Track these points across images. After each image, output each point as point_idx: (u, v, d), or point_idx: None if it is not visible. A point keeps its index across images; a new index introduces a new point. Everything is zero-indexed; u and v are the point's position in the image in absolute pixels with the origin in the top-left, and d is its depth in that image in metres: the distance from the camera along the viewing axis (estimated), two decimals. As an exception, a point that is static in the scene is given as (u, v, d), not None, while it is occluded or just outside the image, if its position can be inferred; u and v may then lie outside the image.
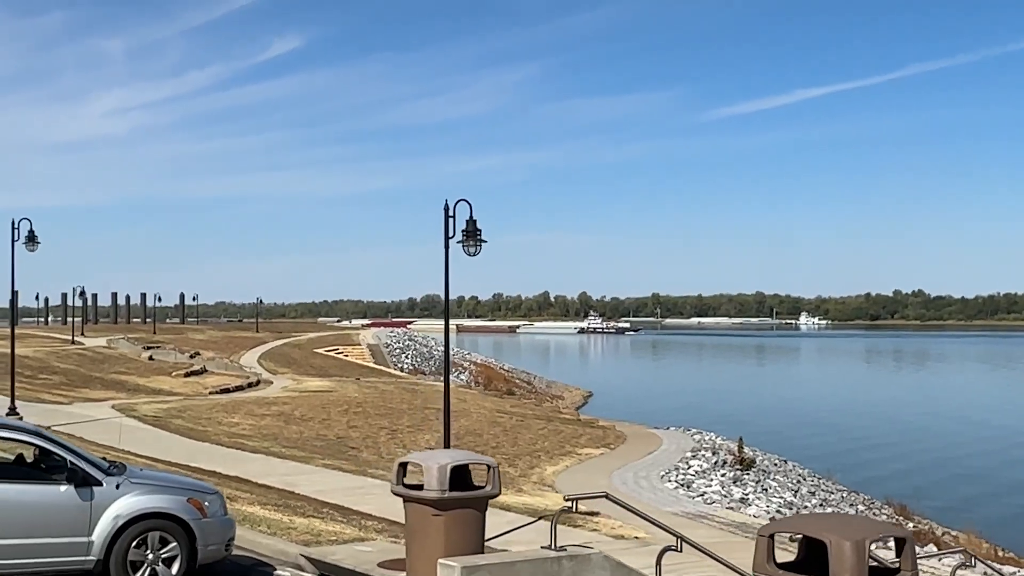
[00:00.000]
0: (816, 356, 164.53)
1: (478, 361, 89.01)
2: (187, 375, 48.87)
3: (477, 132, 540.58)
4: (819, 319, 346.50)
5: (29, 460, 9.93)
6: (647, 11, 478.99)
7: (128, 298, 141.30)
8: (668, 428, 43.84)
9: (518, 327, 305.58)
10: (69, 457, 9.34)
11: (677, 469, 29.89)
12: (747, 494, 27.82)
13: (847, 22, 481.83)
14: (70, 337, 67.41)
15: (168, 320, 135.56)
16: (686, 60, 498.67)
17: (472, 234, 17.21)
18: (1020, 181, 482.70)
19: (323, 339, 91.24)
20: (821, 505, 28.89)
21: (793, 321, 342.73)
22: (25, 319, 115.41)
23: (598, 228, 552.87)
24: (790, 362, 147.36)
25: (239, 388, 45.88)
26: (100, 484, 9.23)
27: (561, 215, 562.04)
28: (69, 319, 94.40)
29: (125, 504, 9.30)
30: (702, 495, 26.56)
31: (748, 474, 30.60)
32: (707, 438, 39.01)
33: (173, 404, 34.49)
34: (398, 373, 72.53)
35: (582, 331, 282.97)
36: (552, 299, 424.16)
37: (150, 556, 9.46)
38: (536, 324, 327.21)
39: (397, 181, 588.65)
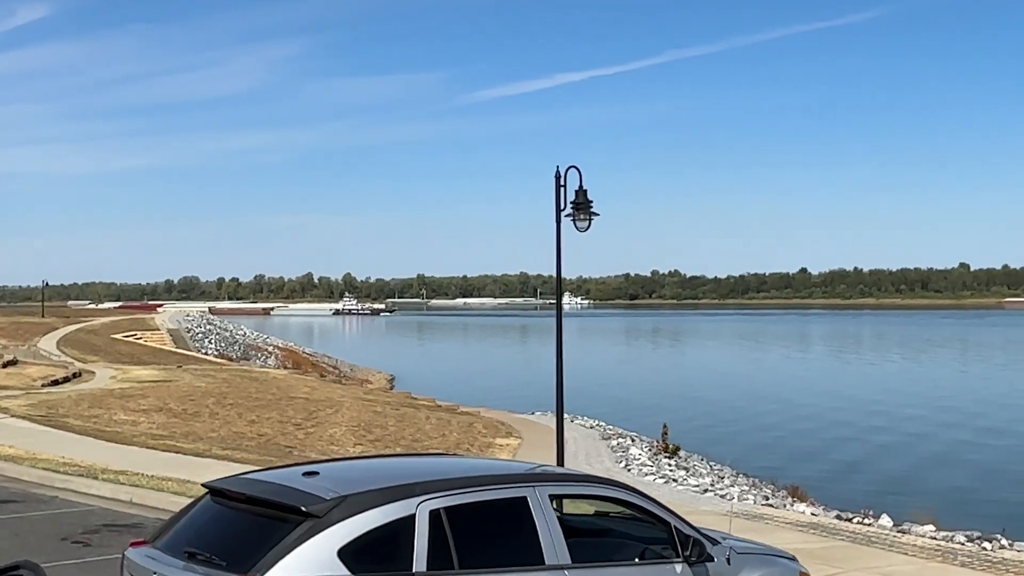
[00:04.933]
0: (577, 334, 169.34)
1: (280, 345, 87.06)
2: (4, 366, 45.28)
3: (241, 110, 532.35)
4: (581, 299, 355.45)
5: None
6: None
7: None
8: (534, 413, 43.45)
9: (272, 309, 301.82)
10: (673, 521, 6.86)
11: (625, 460, 29.33)
12: (713, 482, 27.45)
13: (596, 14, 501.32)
14: None
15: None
16: (453, 43, 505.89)
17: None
18: (769, 168, 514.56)
19: (117, 324, 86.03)
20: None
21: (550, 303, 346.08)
22: None
23: (363, 209, 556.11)
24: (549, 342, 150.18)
25: (67, 379, 42.26)
26: (713, 559, 6.90)
27: (326, 196, 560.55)
28: None
29: None
30: (697, 486, 26.01)
31: (675, 459, 30.58)
32: (583, 422, 39.00)
33: (32, 399, 31.70)
34: (210, 358, 69.83)
35: (337, 312, 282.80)
36: (316, 280, 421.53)
37: None
38: (291, 306, 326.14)
39: (157, 159, 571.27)
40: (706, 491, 25.32)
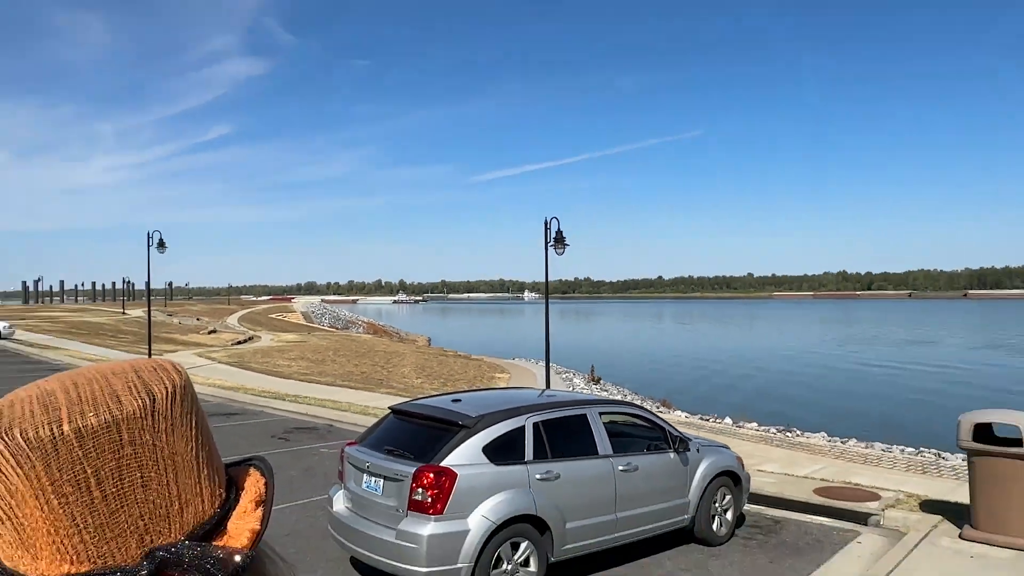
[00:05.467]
0: (532, 314, 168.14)
1: (364, 320, 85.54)
2: (208, 333, 44.02)
3: (340, 186, 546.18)
4: (535, 293, 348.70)
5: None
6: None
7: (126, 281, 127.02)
8: (514, 359, 41.41)
9: (357, 300, 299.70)
10: (666, 427, 6.69)
11: (572, 386, 28.21)
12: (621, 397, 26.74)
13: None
14: (120, 310, 58.09)
15: (154, 298, 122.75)
16: (461, 145, 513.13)
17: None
18: (647, 213, 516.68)
19: (270, 309, 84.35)
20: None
21: (521, 295, 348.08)
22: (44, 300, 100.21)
23: (410, 241, 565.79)
24: (518, 317, 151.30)
25: (246, 341, 40.92)
26: (690, 450, 6.67)
27: (389, 232, 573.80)
28: (104, 298, 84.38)
29: (707, 466, 6.73)
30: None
31: (599, 385, 30.03)
32: (541, 364, 37.67)
33: (227, 353, 30.95)
34: (325, 328, 67.53)
35: (395, 302, 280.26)
36: (383, 283, 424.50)
37: (716, 506, 6.86)
38: (368, 298, 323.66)
39: (291, 213, 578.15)
40: (617, 403, 24.75)
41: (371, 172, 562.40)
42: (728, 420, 17.40)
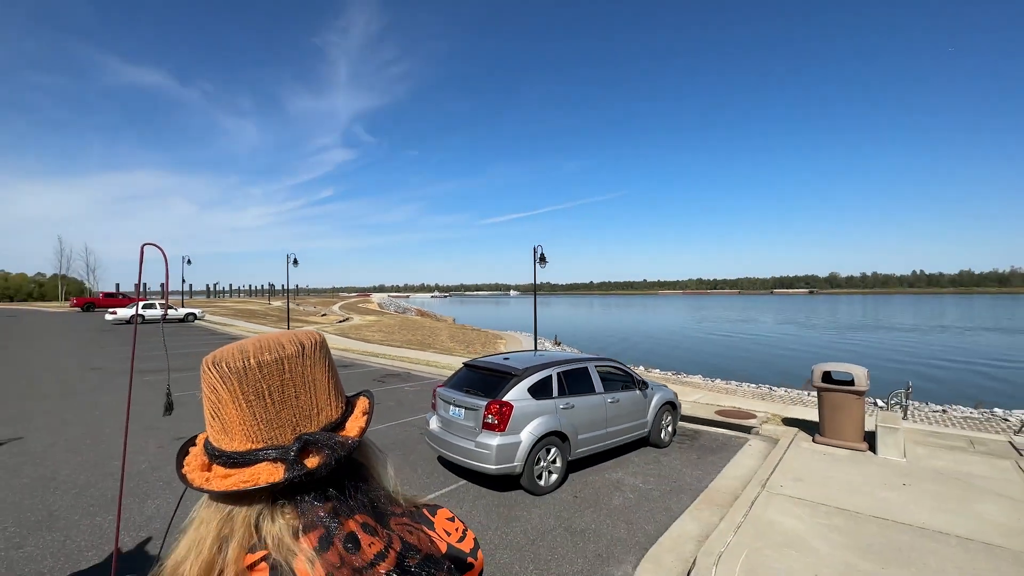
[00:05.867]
0: (516, 304, 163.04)
1: (415, 308, 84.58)
2: (322, 316, 43.60)
3: (397, 230, 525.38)
4: (517, 292, 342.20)
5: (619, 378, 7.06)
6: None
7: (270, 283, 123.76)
8: (507, 331, 37.86)
9: (408, 295, 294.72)
10: (633, 374, 6.77)
11: (546, 347, 27.99)
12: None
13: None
14: (267, 302, 57.85)
15: (279, 295, 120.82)
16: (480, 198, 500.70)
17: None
18: (619, 229, 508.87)
19: (358, 301, 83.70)
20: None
21: (508, 292, 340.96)
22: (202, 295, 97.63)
23: (442, 261, 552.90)
24: (507, 307, 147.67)
25: (344, 320, 39.62)
26: (648, 388, 6.72)
27: (431, 256, 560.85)
28: (258, 295, 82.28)
29: (658, 399, 6.84)
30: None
31: (560, 346, 30.15)
32: (526, 334, 37.48)
33: (335, 328, 30.94)
34: (392, 313, 63.66)
35: (432, 296, 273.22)
36: (423, 284, 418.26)
37: (663, 424, 6.89)
38: (414, 295, 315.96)
39: (365, 243, 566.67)
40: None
41: (418, 218, 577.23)
42: (642, 368, 17.66)
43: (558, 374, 5.56)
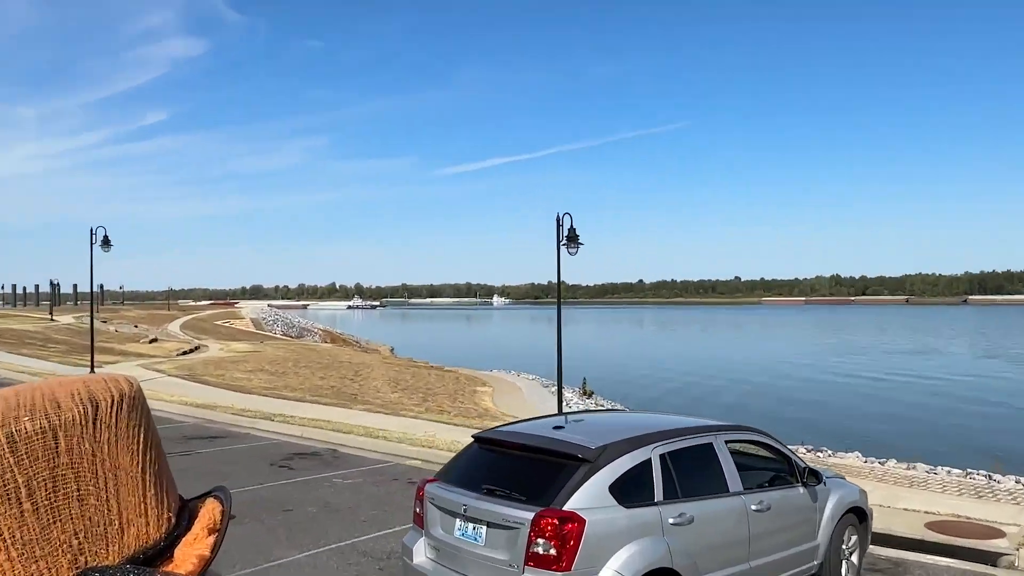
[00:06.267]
0: (500, 319, 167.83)
1: (320, 328, 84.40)
2: (150, 342, 42.73)
3: (288, 178, 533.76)
4: (504, 299, 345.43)
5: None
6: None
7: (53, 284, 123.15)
8: (491, 371, 40.69)
9: (308, 305, 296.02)
10: (794, 459, 6.17)
11: (568, 400, 27.16)
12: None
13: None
14: (47, 316, 55.71)
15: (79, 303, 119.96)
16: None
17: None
18: (623, 218, 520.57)
19: (216, 315, 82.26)
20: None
21: (489, 300, 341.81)
22: None
23: (366, 241, 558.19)
24: (488, 323, 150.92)
25: (192, 351, 39.63)
26: (820, 483, 6.17)
27: (344, 232, 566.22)
28: (26, 303, 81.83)
29: (835, 502, 6.19)
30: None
31: (591, 399, 29.83)
32: (525, 376, 37.52)
33: (175, 364, 30.09)
34: (278, 337, 66.23)
35: (350, 307, 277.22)
36: (337, 287, 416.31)
37: (844, 549, 6.30)
38: (321, 303, 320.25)
39: (233, 208, 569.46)
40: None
41: (323, 164, 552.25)
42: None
43: (662, 457, 5.01)
